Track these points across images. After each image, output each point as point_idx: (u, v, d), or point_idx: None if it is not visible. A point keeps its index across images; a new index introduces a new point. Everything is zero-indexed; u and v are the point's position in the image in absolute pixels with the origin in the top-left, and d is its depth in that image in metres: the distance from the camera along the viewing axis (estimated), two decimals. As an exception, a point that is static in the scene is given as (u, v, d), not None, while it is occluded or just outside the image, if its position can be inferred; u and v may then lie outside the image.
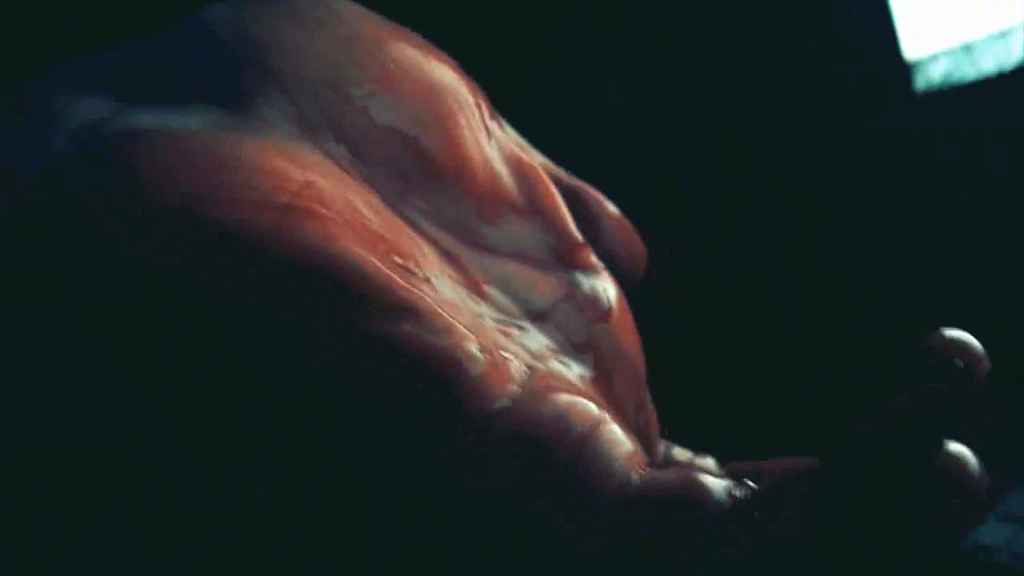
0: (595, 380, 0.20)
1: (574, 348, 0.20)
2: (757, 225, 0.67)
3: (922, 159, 0.64)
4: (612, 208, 0.24)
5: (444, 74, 0.20)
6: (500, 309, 0.19)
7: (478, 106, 0.21)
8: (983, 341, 0.16)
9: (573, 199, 0.23)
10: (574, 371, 0.19)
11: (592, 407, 0.16)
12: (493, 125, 0.21)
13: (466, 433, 0.15)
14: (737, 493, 0.15)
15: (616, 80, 0.63)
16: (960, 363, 0.15)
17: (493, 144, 0.21)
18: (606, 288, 0.21)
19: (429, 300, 0.16)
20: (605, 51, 0.62)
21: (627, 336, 0.21)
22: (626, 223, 0.24)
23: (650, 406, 0.22)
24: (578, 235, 0.22)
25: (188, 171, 0.15)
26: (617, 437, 0.16)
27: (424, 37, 0.22)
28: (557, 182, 0.23)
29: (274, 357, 0.15)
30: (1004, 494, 0.48)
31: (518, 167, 0.21)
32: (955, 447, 0.15)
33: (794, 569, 0.14)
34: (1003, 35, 0.60)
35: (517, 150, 0.22)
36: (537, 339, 0.19)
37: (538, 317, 0.19)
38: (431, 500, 0.15)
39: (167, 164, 0.15)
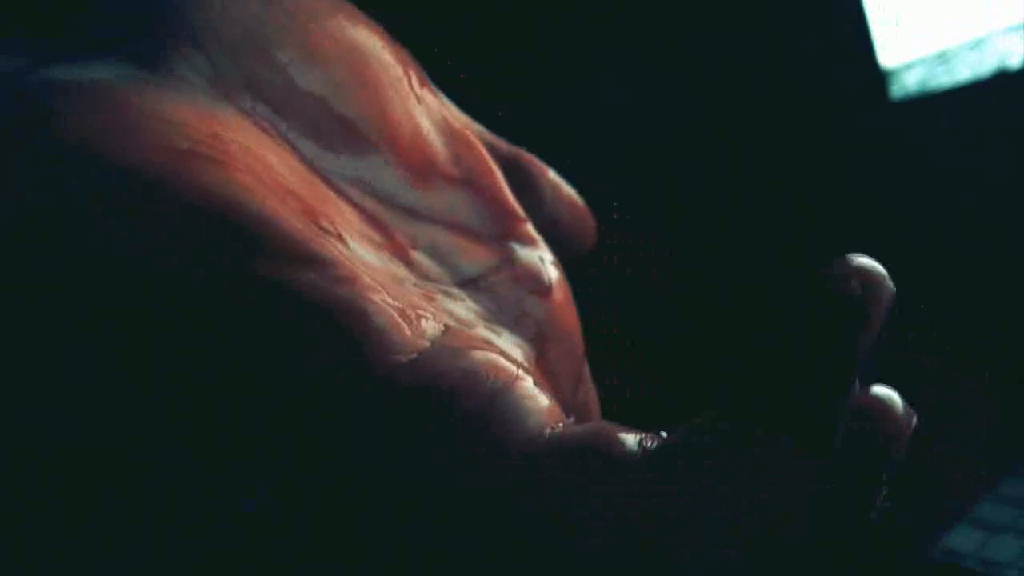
0: (529, 352, 0.19)
1: (507, 318, 0.19)
2: (752, 223, 0.67)
3: (897, 162, 0.65)
4: (554, 175, 0.23)
5: (369, 40, 0.20)
6: (426, 274, 0.18)
7: (407, 74, 0.20)
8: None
9: (512, 167, 0.23)
10: (505, 340, 0.19)
11: (508, 364, 0.16)
12: (424, 92, 0.21)
13: (368, 383, 0.15)
14: (648, 444, 0.15)
15: (615, 79, 0.63)
16: (858, 289, 0.15)
17: (423, 111, 0.20)
18: (544, 260, 0.21)
19: (336, 252, 0.16)
20: (604, 50, 0.62)
21: (566, 311, 0.21)
22: (569, 190, 0.24)
23: (590, 385, 0.22)
24: (515, 206, 0.21)
25: (91, 118, 0.15)
26: (532, 393, 0.16)
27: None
28: (495, 150, 0.22)
29: (164, 293, 0.15)
30: (975, 502, 0.49)
31: (452, 135, 0.21)
32: (878, 388, 0.15)
33: (711, 518, 0.14)
34: (977, 44, 0.60)
35: (451, 118, 0.21)
36: (466, 306, 0.19)
37: (468, 284, 0.19)
38: (431, 500, 0.15)
39: (70, 113, 0.15)
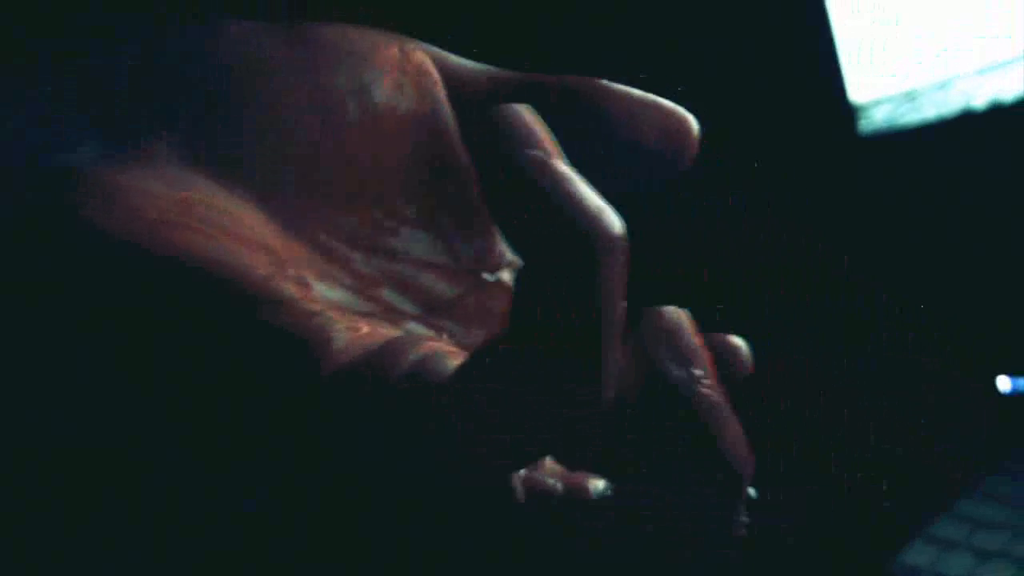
0: None
1: (475, 340, 0.20)
2: (752, 227, 0.67)
3: (862, 190, 0.66)
4: (624, 92, 0.21)
5: (348, 81, 0.20)
6: (395, 308, 0.19)
7: (391, 110, 0.20)
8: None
9: (570, 100, 0.21)
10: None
11: (425, 341, 0.17)
12: (420, 122, 0.20)
13: (323, 389, 0.16)
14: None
15: (615, 79, 0.63)
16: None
17: (414, 149, 0.20)
18: (510, 286, 0.21)
19: (299, 292, 0.17)
20: (605, 50, 0.62)
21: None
22: (650, 100, 0.21)
23: None
24: (492, 237, 0.21)
25: (74, 196, 0.17)
26: (453, 355, 0.17)
27: (424, 37, 0.22)
28: (545, 88, 0.22)
29: (163, 295, 0.16)
30: (929, 520, 0.50)
31: (444, 170, 0.21)
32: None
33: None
34: (944, 85, 0.62)
35: (453, 143, 0.21)
36: (432, 333, 0.20)
37: (438, 314, 0.20)
38: (431, 500, 0.15)
39: (62, 197, 0.17)
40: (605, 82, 0.21)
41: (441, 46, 0.22)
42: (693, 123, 0.21)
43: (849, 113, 0.65)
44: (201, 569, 0.16)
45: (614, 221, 0.15)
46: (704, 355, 0.17)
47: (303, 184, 0.19)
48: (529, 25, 0.59)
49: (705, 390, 0.16)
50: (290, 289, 0.17)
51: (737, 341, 0.19)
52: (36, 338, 0.15)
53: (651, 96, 0.21)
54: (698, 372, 0.16)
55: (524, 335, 0.15)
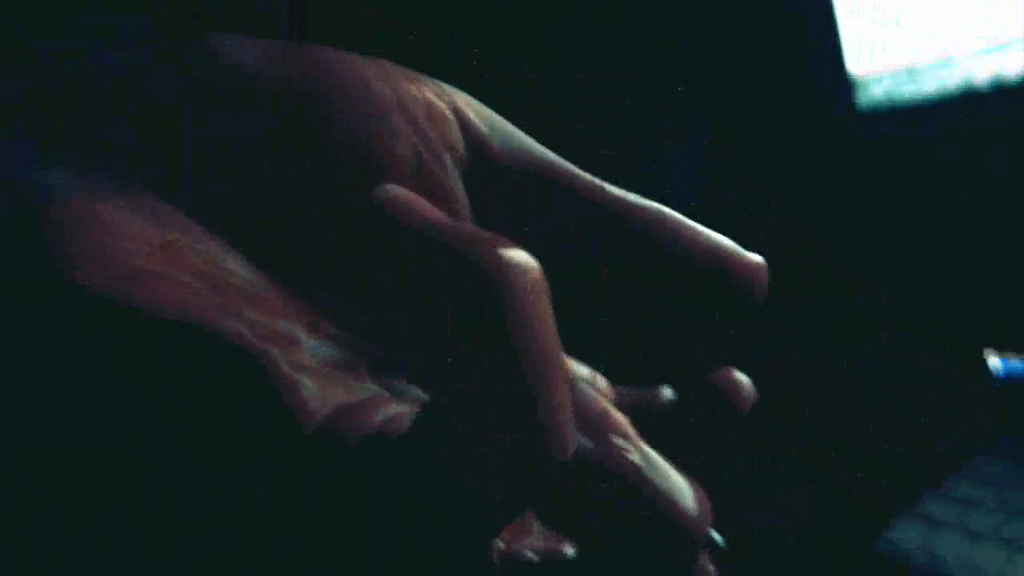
0: None
1: None
2: (750, 225, 0.67)
3: (860, 163, 0.66)
4: (697, 232, 0.20)
5: (355, 135, 0.19)
6: (383, 364, 0.19)
7: (392, 162, 0.19)
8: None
9: (633, 226, 0.19)
10: None
11: (395, 402, 0.17)
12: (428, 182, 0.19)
13: (301, 448, 0.16)
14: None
15: (616, 78, 0.63)
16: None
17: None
18: None
19: (283, 353, 0.17)
20: (605, 50, 0.62)
21: None
22: (721, 248, 0.20)
23: None
24: None
25: (54, 233, 0.16)
26: None
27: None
28: (610, 210, 0.20)
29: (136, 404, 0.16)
30: (920, 500, 0.51)
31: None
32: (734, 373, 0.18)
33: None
34: (946, 63, 0.62)
35: (461, 218, 0.20)
36: (418, 392, 0.20)
37: (427, 370, 0.20)
38: (431, 500, 0.15)
39: (38, 228, 0.16)
40: (678, 217, 0.20)
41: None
42: (764, 271, 0.20)
43: (849, 87, 0.65)
44: (201, 569, 0.16)
45: (519, 252, 0.15)
46: (616, 419, 0.16)
47: (297, 236, 0.19)
48: (529, 25, 0.59)
49: (627, 456, 0.16)
50: (277, 349, 0.17)
51: (740, 376, 0.19)
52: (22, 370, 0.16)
53: (724, 240, 0.20)
54: (614, 439, 0.16)
55: (461, 391, 0.15)
